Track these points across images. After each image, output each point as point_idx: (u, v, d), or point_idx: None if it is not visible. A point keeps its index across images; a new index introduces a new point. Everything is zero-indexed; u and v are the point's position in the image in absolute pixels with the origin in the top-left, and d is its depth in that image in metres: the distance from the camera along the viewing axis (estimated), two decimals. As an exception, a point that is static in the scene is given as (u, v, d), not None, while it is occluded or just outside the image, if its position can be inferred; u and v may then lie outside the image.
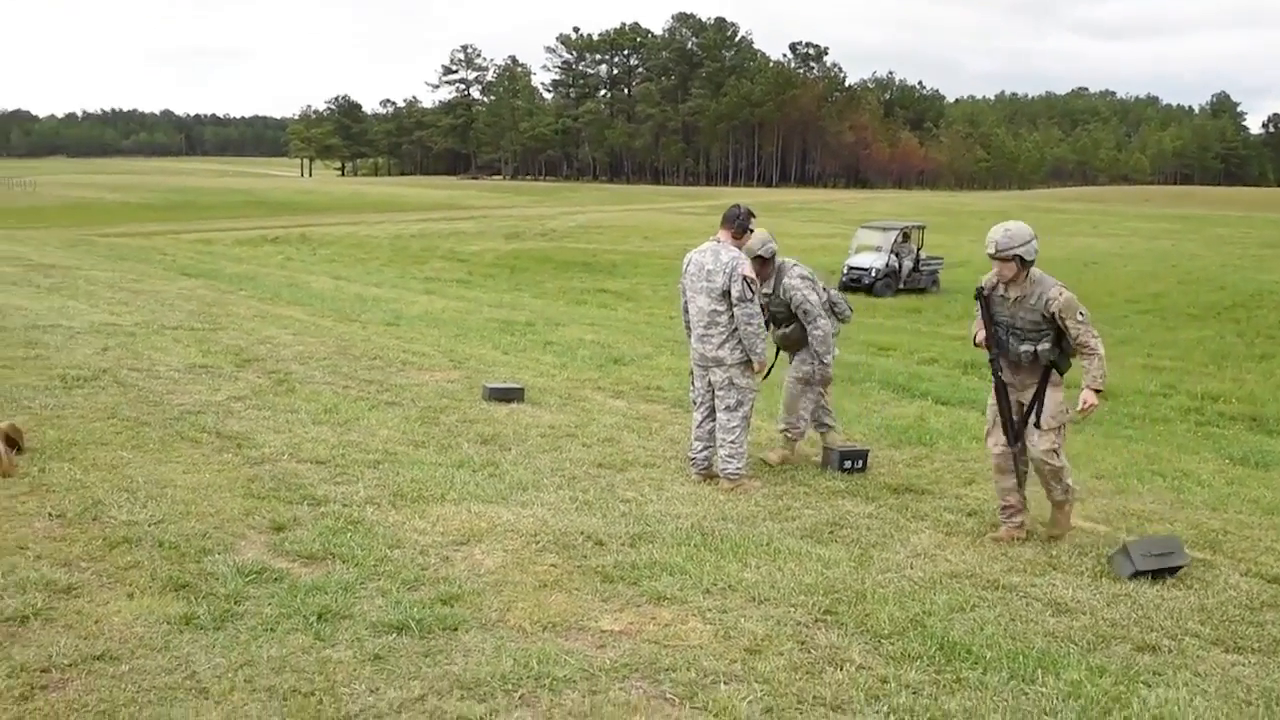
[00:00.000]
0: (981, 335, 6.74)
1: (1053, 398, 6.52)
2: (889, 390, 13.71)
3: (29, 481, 6.41)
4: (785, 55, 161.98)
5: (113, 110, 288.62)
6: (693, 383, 7.88)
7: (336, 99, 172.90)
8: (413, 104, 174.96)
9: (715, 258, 7.42)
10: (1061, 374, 6.58)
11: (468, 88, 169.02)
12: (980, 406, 9.71)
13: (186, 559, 5.35)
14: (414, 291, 24.54)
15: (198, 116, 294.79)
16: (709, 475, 7.72)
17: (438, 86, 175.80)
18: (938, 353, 19.97)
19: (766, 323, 8.06)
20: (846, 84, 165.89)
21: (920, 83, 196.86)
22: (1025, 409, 6.62)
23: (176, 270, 24.01)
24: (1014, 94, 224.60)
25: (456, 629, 4.75)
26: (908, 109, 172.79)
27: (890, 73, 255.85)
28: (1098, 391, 6.39)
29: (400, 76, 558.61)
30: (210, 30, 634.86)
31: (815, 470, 8.14)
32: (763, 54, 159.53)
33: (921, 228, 36.25)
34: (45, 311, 14.07)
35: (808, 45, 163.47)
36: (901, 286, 32.51)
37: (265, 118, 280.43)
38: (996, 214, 42.90)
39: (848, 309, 8.67)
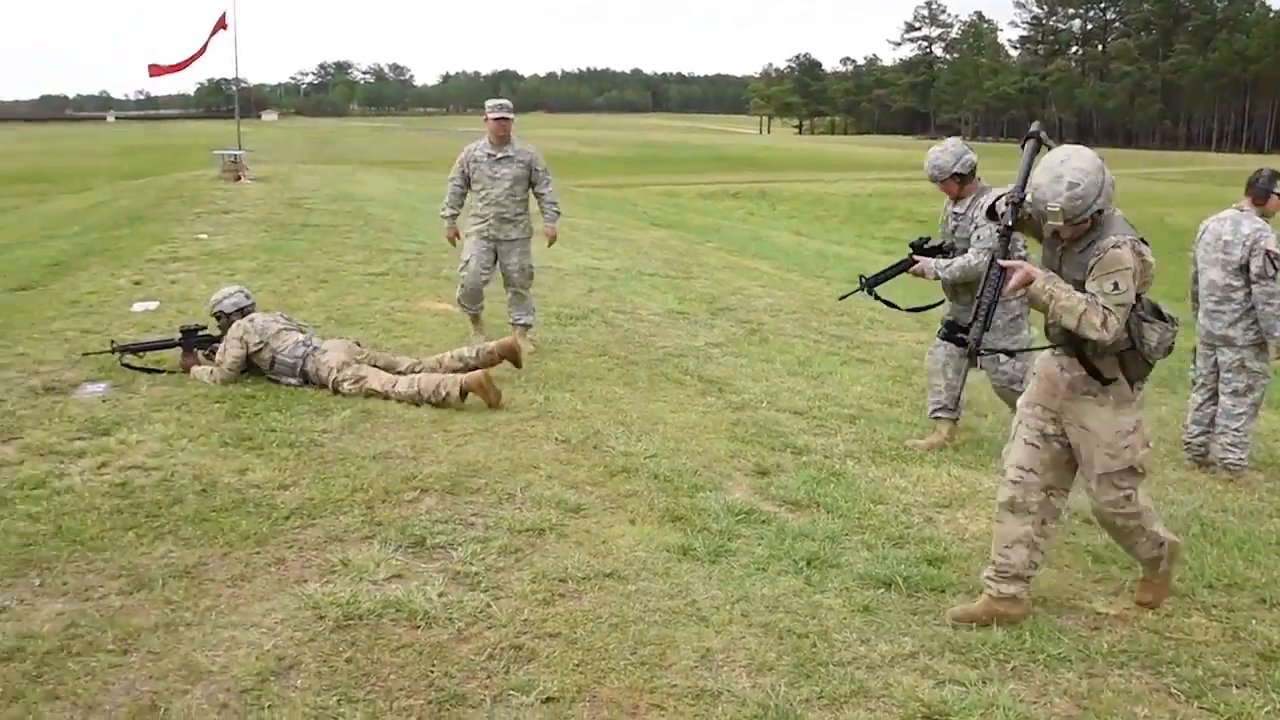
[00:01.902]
0: None
1: (1109, 424, 4.36)
2: None
3: (536, 408, 6.97)
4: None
5: (588, 69, 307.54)
6: (1194, 361, 7.31)
7: (797, 57, 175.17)
8: (872, 62, 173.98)
9: (1235, 228, 6.82)
10: (1131, 383, 4.35)
11: (930, 45, 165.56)
12: None
13: (680, 493, 5.62)
14: (873, 251, 24.49)
15: (664, 75, 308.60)
16: (1203, 462, 7.17)
17: (899, 44, 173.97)
18: None
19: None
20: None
21: None
22: None
23: (647, 220, 25.24)
24: None
25: (944, 590, 4.70)
26: None
27: None
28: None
29: (861, 35, 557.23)
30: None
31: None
32: (1262, 3, 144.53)
33: None
34: (535, 254, 15.21)
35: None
36: None
37: (727, 76, 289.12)
38: None
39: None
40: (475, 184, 8.64)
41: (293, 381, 7.16)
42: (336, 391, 7.00)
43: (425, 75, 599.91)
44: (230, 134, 29.94)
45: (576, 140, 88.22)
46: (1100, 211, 4.13)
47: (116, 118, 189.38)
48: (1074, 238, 4.22)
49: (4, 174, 52.11)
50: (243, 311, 7.50)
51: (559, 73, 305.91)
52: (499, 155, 8.54)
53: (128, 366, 7.50)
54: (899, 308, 7.06)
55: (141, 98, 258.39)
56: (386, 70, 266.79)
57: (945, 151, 6.66)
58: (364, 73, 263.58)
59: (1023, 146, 4.49)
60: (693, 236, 21.54)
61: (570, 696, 3.68)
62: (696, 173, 61.81)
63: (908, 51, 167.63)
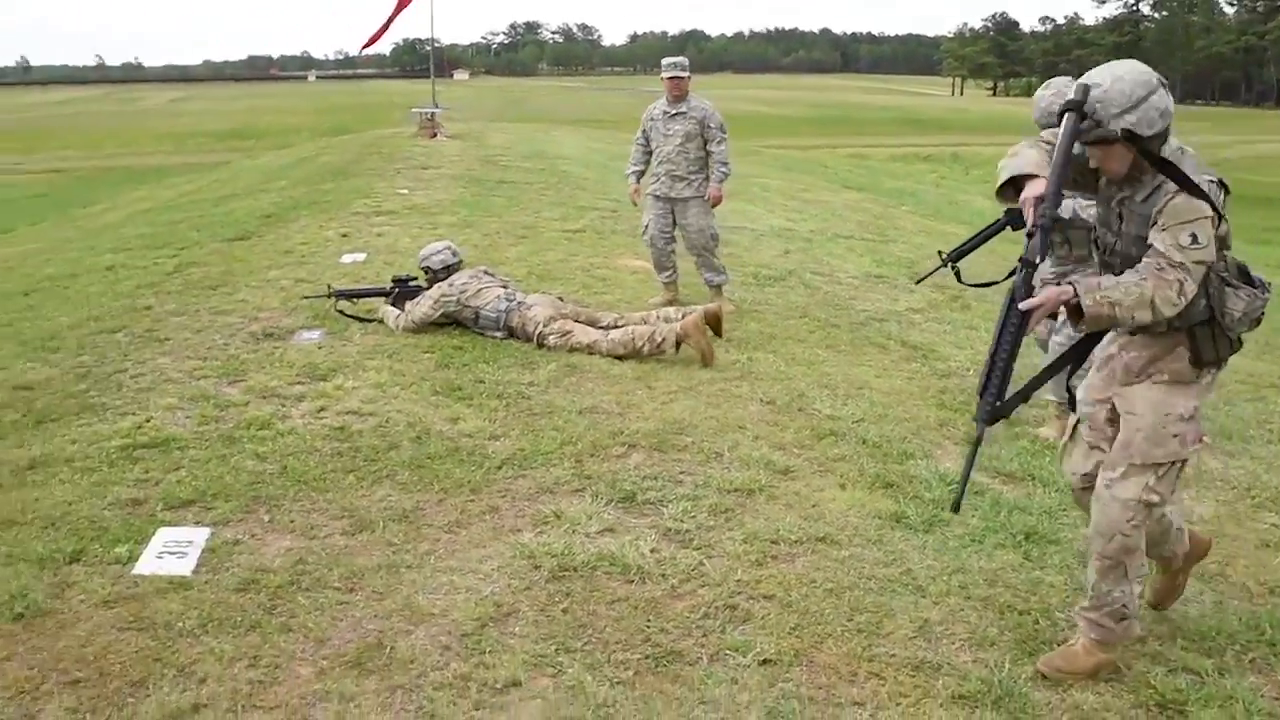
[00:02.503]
0: None
1: (1158, 405, 3.52)
2: None
3: (739, 368, 6.91)
4: None
5: (775, 29, 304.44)
6: None
7: (993, 16, 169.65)
8: (1074, 21, 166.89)
9: None
10: (1200, 359, 3.48)
11: (1136, 3, 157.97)
12: None
13: (889, 459, 5.49)
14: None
15: (854, 35, 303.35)
16: None
17: (1103, 2, 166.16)
18: None
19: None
20: None
21: None
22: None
23: (839, 182, 24.83)
24: None
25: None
26: None
27: None
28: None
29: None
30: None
31: None
32: None
33: None
34: (729, 214, 15.10)
35: None
36: None
37: (918, 36, 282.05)
38: None
39: None
40: (652, 142, 8.61)
41: (497, 335, 7.28)
42: (541, 345, 7.07)
43: (613, 35, 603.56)
44: (424, 93, 30.67)
45: (763, 101, 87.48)
46: (1163, 143, 3.29)
47: (317, 77, 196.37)
48: (1132, 180, 3.37)
49: (215, 131, 54.71)
50: (449, 269, 7.64)
51: (746, 32, 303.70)
52: (673, 112, 8.48)
53: (340, 312, 7.75)
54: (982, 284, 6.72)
55: (340, 58, 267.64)
56: (575, 30, 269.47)
57: (1058, 95, 5.76)
58: (553, 32, 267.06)
59: (1060, 119, 3.35)
60: (886, 199, 21.09)
61: (788, 660, 3.63)
62: (887, 135, 60.56)
63: (1112, 9, 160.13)
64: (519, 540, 4.39)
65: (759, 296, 9.22)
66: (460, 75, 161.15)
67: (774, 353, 7.31)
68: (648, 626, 3.78)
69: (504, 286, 7.55)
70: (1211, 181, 3.28)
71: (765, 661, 3.62)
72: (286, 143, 39.99)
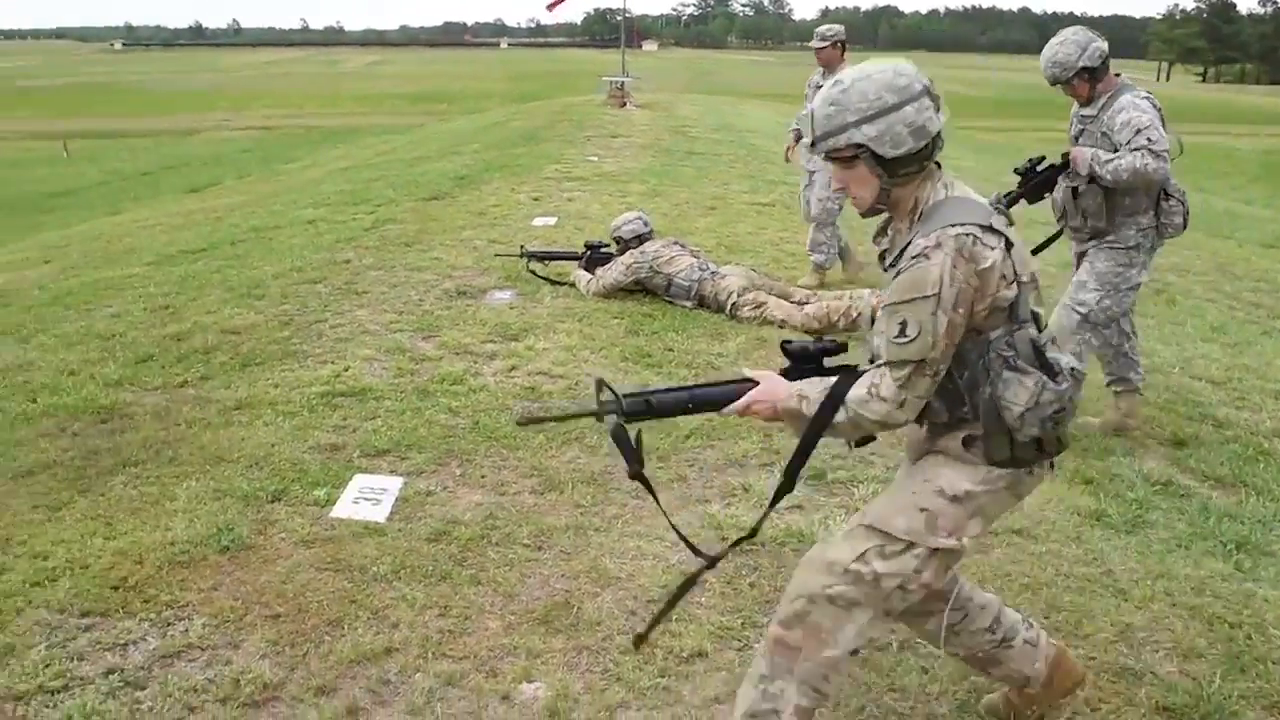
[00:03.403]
0: None
1: (922, 471, 2.70)
2: None
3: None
4: None
5: (973, 7, 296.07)
6: None
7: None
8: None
9: None
10: (990, 456, 2.60)
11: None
12: None
13: (1090, 455, 5.26)
14: (1289, 214, 22.27)
15: (1054, 14, 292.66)
16: None
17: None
18: None
19: None
20: None
21: None
22: None
23: (1034, 167, 23.95)
24: None
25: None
26: None
27: None
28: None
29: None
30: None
31: None
32: None
33: None
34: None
35: None
36: None
37: (1124, 17, 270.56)
38: None
39: None
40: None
41: (687, 304, 7.26)
42: (733, 316, 7.02)
43: (804, 9, 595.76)
44: (613, 62, 30.84)
45: (958, 81, 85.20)
46: (918, 172, 2.56)
47: (509, 44, 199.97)
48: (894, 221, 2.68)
49: (409, 94, 56.16)
50: (640, 239, 7.65)
51: (941, 10, 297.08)
52: (823, 83, 8.30)
53: (532, 273, 7.85)
54: None
55: (532, 25, 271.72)
56: (766, 3, 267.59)
57: (1065, 43, 5.26)
58: (744, 5, 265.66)
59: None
60: (1084, 186, 20.25)
61: (981, 654, 3.50)
62: (1084, 120, 58.11)
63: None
64: (707, 511, 4.36)
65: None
66: (649, 46, 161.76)
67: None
68: (836, 607, 3.70)
69: (695, 256, 7.52)
70: (975, 228, 2.44)
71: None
72: (478, 108, 40.79)
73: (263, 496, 4.36)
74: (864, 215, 2.67)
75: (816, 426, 2.58)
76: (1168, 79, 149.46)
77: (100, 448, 4.94)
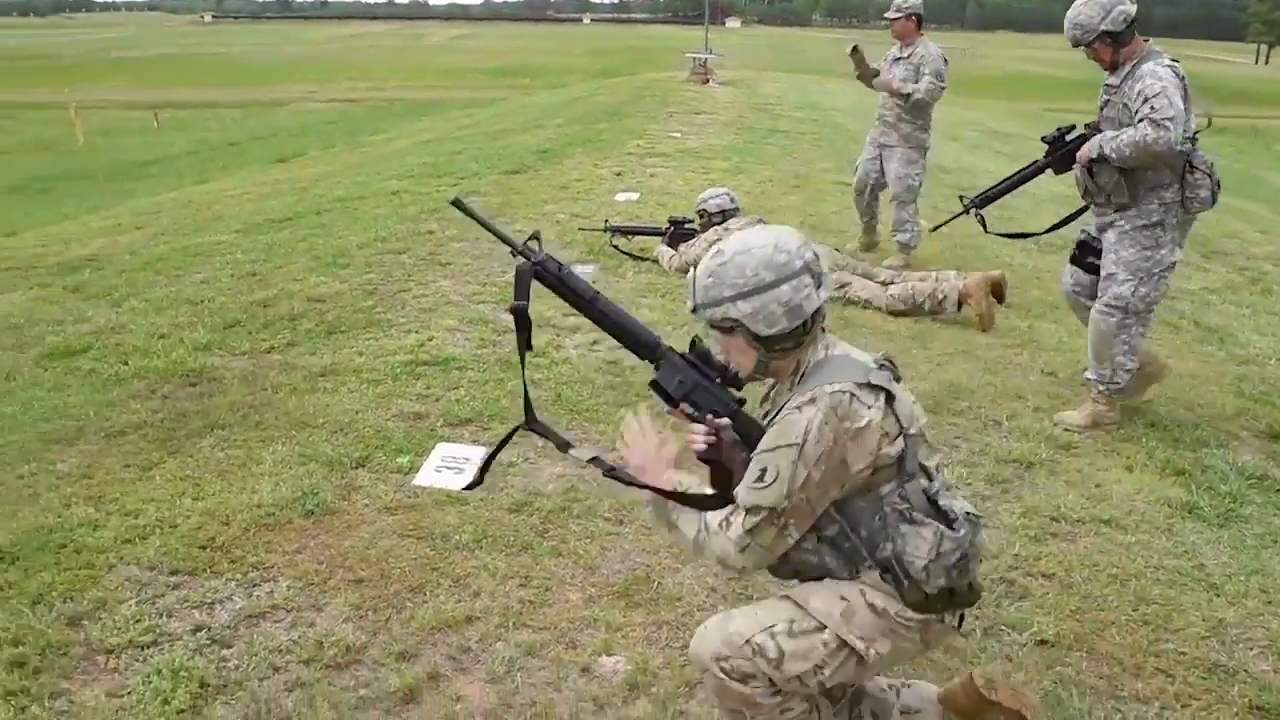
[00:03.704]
0: None
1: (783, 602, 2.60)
2: None
3: (1019, 335, 6.62)
4: None
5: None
6: None
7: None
8: None
9: None
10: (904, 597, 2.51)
11: None
12: None
13: (1181, 445, 5.13)
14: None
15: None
16: None
17: None
18: None
19: None
20: None
21: None
22: None
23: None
24: None
25: None
26: None
27: None
28: None
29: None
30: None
31: None
32: None
33: None
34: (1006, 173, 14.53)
35: None
36: None
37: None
38: None
39: None
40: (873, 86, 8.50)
41: (769, 282, 7.19)
42: (815, 296, 6.95)
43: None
44: (695, 39, 30.69)
45: (1045, 62, 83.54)
46: (796, 345, 2.54)
47: (591, 19, 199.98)
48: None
49: (492, 68, 56.41)
50: (725, 215, 7.59)
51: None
52: (897, 56, 8.27)
53: (615, 248, 7.84)
54: (1024, 235, 6.43)
55: (615, 1, 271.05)
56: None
57: (1089, 4, 4.99)
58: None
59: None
60: (1177, 172, 19.78)
61: (1067, 643, 3.44)
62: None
63: None
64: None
65: (1041, 264, 8.80)
66: (732, 23, 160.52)
67: (1056, 323, 6.95)
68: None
69: (777, 235, 7.45)
70: (852, 386, 2.40)
71: (1043, 642, 3.44)
72: (560, 82, 40.86)
73: (347, 462, 4.41)
74: (745, 382, 2.62)
75: (666, 518, 2.60)
76: (1266, 62, 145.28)
77: (189, 410, 5.02)
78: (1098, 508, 4.37)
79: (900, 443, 2.44)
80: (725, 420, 2.58)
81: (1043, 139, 5.62)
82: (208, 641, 3.23)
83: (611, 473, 2.65)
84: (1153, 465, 4.86)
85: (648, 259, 7.72)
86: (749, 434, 2.55)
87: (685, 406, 2.64)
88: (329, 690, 3.01)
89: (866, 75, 8.20)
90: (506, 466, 4.46)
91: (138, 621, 3.30)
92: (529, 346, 2.72)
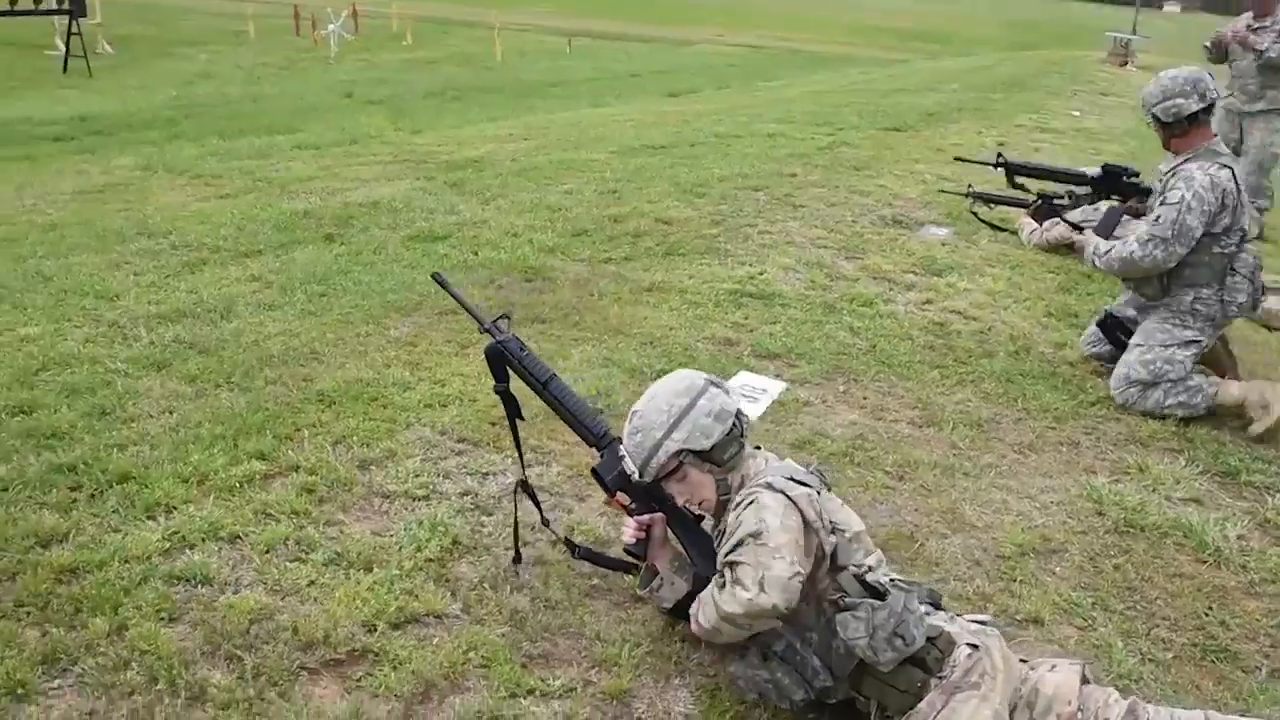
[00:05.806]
0: None
1: None
2: None
3: None
4: None
5: None
6: None
7: None
8: None
9: None
10: None
11: None
12: None
13: None
14: None
15: None
16: None
17: None
18: None
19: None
20: None
21: None
22: None
23: None
24: None
25: None
26: None
27: None
28: None
29: None
30: None
31: None
32: None
33: None
34: None
35: None
36: None
37: None
38: None
39: None
40: (1230, 55, 8.33)
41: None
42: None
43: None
44: (1124, 19, 28.88)
45: None
46: (737, 451, 2.75)
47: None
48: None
49: (902, 30, 55.29)
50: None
51: None
52: (1256, 26, 8.07)
53: (974, 214, 7.53)
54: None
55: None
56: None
57: (1157, 79, 4.75)
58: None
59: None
60: None
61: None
62: None
63: None
64: (1091, 481, 4.01)
65: None
66: (1170, 7, 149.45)
67: None
68: (1206, 615, 3.30)
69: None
70: (783, 480, 2.59)
71: None
72: (969, 50, 39.47)
73: (647, 372, 4.47)
74: (717, 517, 2.76)
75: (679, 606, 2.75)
76: None
77: (518, 302, 5.27)
78: None
79: (833, 538, 2.59)
80: (659, 515, 2.79)
81: (1105, 167, 5.74)
82: (471, 506, 3.39)
83: (587, 555, 3.04)
84: None
85: (1007, 229, 7.36)
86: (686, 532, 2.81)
87: (622, 497, 2.84)
88: (567, 574, 3.09)
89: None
90: (802, 404, 4.40)
91: (417, 476, 3.52)
92: (519, 417, 3.03)
